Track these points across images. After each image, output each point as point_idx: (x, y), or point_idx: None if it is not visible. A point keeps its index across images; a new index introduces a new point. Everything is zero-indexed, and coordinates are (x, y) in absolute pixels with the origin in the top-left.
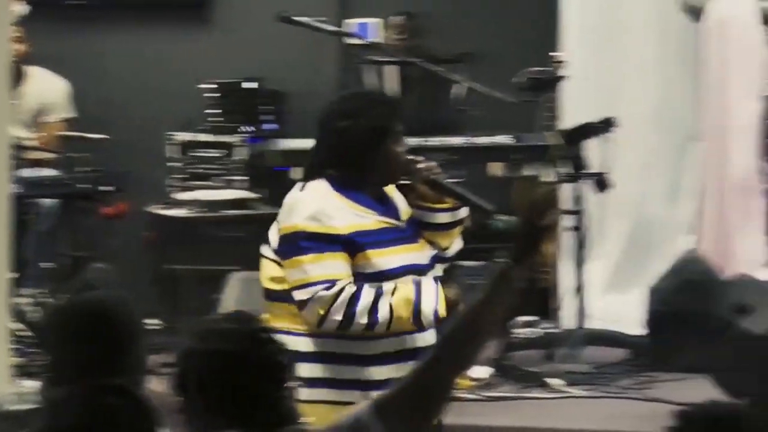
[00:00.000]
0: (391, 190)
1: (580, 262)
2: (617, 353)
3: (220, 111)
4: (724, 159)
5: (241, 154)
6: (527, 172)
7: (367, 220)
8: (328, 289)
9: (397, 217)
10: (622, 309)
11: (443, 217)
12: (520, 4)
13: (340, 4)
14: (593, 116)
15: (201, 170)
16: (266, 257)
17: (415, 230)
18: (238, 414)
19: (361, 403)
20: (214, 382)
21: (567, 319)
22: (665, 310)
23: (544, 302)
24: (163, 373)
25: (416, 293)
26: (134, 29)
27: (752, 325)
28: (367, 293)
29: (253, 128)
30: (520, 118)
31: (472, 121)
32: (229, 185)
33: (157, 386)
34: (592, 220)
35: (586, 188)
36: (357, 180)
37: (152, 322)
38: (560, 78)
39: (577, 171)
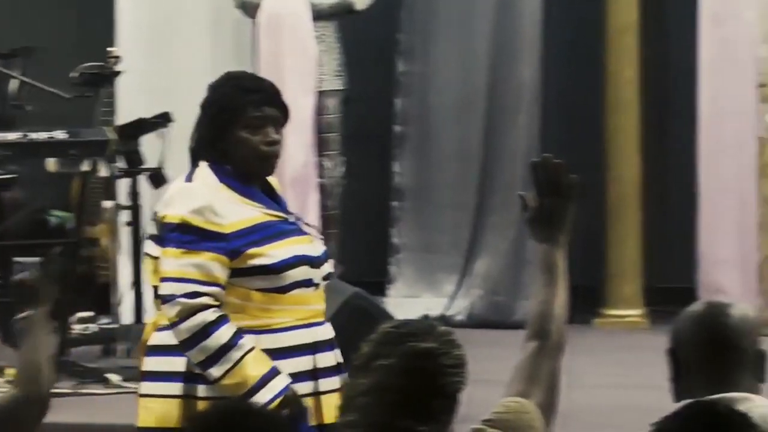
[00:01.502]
0: (277, 182)
1: (137, 257)
2: None
3: None
4: (281, 153)
5: None
6: (85, 167)
7: (255, 213)
8: (191, 297)
9: (285, 210)
10: None
11: None
12: None
13: None
14: (149, 112)
15: None
16: (149, 255)
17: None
18: None
19: None
20: None
21: (125, 314)
22: None
23: (102, 298)
24: None
25: (265, 377)
26: None
27: None
28: (225, 333)
29: None
30: (81, 114)
31: (29, 117)
32: None
33: None
34: (149, 215)
35: (143, 184)
36: (231, 170)
37: None
38: (116, 73)
39: (133, 166)
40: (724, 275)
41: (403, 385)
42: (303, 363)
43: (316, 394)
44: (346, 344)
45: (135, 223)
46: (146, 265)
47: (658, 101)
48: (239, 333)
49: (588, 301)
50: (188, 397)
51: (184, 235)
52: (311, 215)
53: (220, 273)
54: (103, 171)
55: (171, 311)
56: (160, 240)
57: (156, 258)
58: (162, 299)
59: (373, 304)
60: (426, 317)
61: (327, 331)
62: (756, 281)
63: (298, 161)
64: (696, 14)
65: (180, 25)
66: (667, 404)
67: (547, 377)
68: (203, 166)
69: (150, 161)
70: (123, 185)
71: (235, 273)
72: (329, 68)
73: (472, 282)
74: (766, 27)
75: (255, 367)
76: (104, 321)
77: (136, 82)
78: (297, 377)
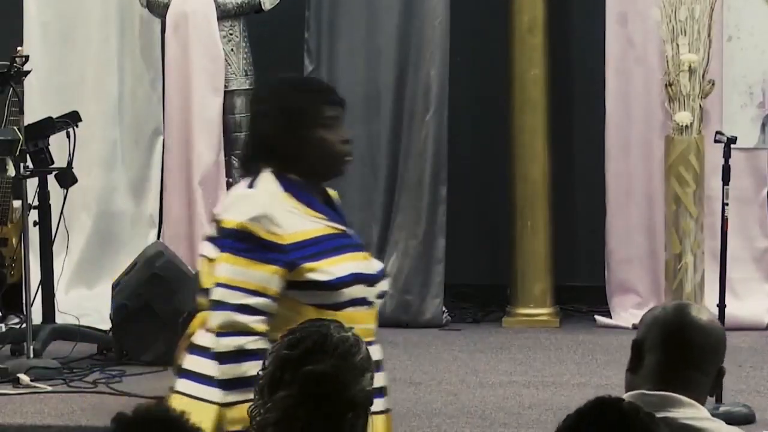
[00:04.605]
0: (333, 193)
1: (45, 256)
2: (85, 348)
3: None
4: (189, 153)
5: None
6: None
7: (316, 225)
8: (239, 310)
9: (344, 223)
10: (89, 303)
11: None
12: None
13: None
14: (57, 111)
15: None
16: (205, 257)
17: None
18: None
19: None
20: None
21: (34, 314)
22: (131, 304)
23: (11, 297)
24: None
25: None
26: None
27: None
28: (254, 368)
29: None
30: None
31: None
32: None
33: None
34: (57, 214)
35: (50, 183)
36: (295, 178)
37: None
38: (24, 72)
39: (42, 166)
40: (633, 273)
41: (309, 413)
42: None
43: None
44: None
45: (43, 223)
46: (201, 266)
47: (565, 101)
48: None
49: (497, 300)
50: (223, 405)
51: (241, 243)
52: None
53: (274, 285)
54: (11, 171)
55: (216, 320)
56: (216, 243)
57: (211, 260)
58: (211, 304)
59: None
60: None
61: (376, 352)
62: (664, 279)
63: (206, 161)
64: (602, 13)
65: (87, 24)
66: (575, 402)
67: None
68: (267, 173)
69: (58, 161)
70: (31, 185)
71: (290, 285)
72: (237, 67)
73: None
74: (672, 26)
75: None
76: (13, 321)
77: (44, 81)
78: None
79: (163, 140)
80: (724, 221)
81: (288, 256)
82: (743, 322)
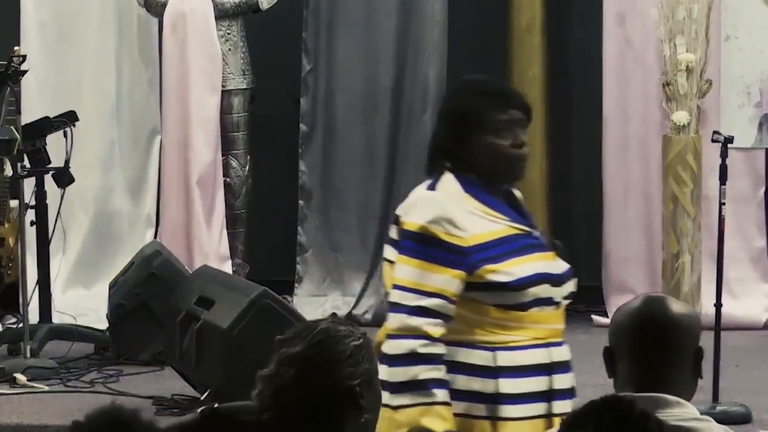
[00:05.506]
0: (521, 194)
1: (43, 256)
2: (83, 348)
3: None
4: (186, 153)
5: None
6: None
7: (498, 226)
8: (415, 313)
9: (529, 224)
10: (86, 303)
11: None
12: None
13: None
14: (54, 111)
15: None
16: (387, 260)
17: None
18: None
19: None
20: None
21: (31, 313)
22: (128, 303)
23: (8, 297)
24: None
25: None
26: None
27: (215, 318)
28: (425, 373)
29: None
30: None
31: None
32: None
33: None
34: (55, 214)
35: (48, 183)
36: (476, 180)
37: None
38: (21, 72)
39: (38, 165)
40: (630, 273)
41: (285, 392)
42: (539, 383)
43: (549, 416)
44: (252, 343)
45: (40, 223)
46: (384, 270)
47: (563, 100)
48: (439, 381)
49: None
50: (392, 408)
51: (422, 245)
52: (217, 215)
53: (453, 287)
54: (9, 170)
55: (392, 322)
56: (396, 245)
57: (392, 263)
58: (389, 305)
59: (279, 303)
60: (334, 315)
61: (564, 353)
62: (661, 279)
63: (204, 160)
64: (600, 13)
65: (85, 23)
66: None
67: None
68: (448, 174)
69: (55, 160)
70: (28, 185)
71: (472, 287)
72: (234, 67)
73: (379, 282)
74: (670, 26)
75: (433, 420)
76: (10, 321)
77: (41, 80)
78: (532, 398)
79: (161, 140)
80: (722, 221)
81: (469, 258)
82: (740, 322)
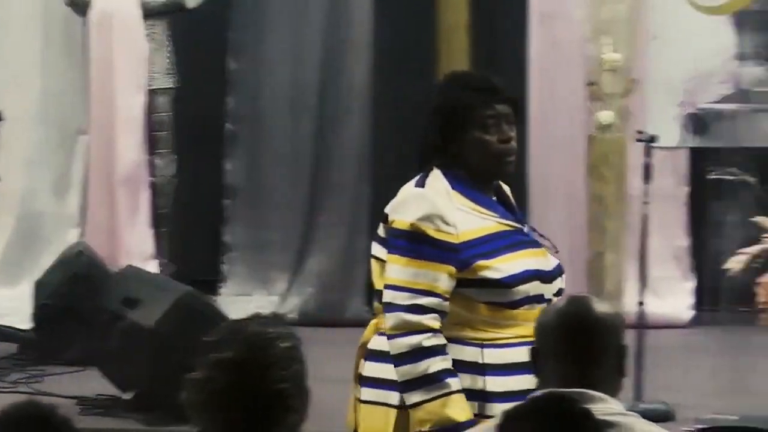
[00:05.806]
0: (508, 189)
1: None
2: (6, 348)
3: None
4: (111, 152)
5: None
6: None
7: (488, 222)
8: (411, 311)
9: (518, 220)
10: (10, 303)
11: None
12: None
13: None
14: None
15: None
16: (376, 257)
17: (536, 235)
18: None
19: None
20: None
21: None
22: (52, 303)
23: None
24: None
25: (462, 425)
26: None
27: (140, 318)
28: (434, 365)
29: None
30: None
31: None
32: None
33: None
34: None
35: None
36: (464, 176)
37: None
38: None
39: None
40: None
41: (216, 397)
42: (528, 381)
43: None
44: (177, 343)
45: None
46: (373, 268)
47: None
48: (449, 371)
49: None
50: (408, 407)
51: (413, 243)
52: (141, 214)
53: (446, 284)
54: None
55: (389, 322)
56: (386, 243)
57: (382, 261)
58: (383, 306)
59: (204, 303)
60: (258, 314)
61: None
62: (585, 278)
63: (129, 160)
64: (526, 13)
65: (9, 22)
66: None
67: None
68: (435, 171)
69: None
70: None
71: (463, 284)
72: (160, 66)
73: (304, 280)
74: (595, 26)
75: (454, 410)
76: None
77: None
78: (519, 395)
79: (87, 139)
80: (645, 220)
81: (461, 254)
82: (664, 320)
